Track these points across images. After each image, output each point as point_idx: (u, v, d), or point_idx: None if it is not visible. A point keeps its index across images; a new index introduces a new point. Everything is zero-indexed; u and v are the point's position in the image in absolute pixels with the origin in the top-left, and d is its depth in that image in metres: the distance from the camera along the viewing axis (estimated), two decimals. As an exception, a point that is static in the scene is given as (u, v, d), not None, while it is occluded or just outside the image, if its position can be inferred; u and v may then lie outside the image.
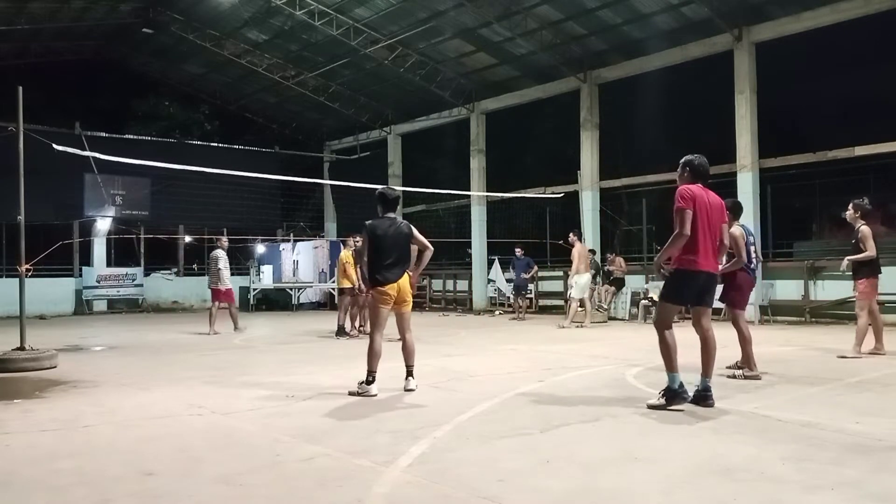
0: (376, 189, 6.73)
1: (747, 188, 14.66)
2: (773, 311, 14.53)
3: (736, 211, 7.21)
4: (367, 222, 6.46)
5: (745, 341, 6.89)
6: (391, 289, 6.31)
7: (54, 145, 10.25)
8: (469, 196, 20.38)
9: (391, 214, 6.54)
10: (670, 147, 13.40)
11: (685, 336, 5.75)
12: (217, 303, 13.20)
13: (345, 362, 8.23)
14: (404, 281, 6.40)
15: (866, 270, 8.26)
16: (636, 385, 6.56)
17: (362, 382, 6.22)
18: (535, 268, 17.30)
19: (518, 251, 16.63)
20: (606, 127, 17.89)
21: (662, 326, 5.54)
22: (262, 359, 9.45)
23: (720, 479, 3.62)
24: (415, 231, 6.62)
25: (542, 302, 19.02)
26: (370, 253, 6.37)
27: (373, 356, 6.24)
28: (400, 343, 6.53)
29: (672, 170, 6.03)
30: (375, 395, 6.08)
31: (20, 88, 8.60)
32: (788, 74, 15.12)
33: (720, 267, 7.00)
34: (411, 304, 6.59)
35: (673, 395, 5.35)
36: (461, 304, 21.30)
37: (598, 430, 4.78)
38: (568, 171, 18.34)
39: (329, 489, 3.55)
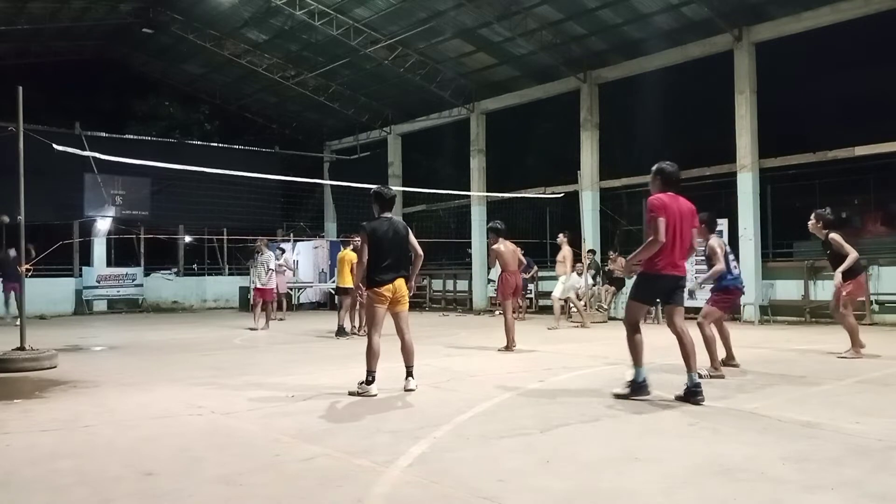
0: (371, 189, 6.70)
1: (747, 188, 14.66)
2: (774, 311, 14.53)
3: (711, 224, 7.68)
4: (366, 224, 6.41)
5: (707, 341, 6.89)
6: (387, 290, 6.30)
7: (54, 145, 10.23)
8: (469, 196, 20.38)
9: (388, 214, 6.51)
10: (670, 147, 13.37)
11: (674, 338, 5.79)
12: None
13: (345, 362, 8.22)
14: (400, 282, 6.39)
15: (850, 272, 8.27)
16: (636, 385, 6.56)
17: (362, 382, 6.22)
18: (535, 268, 17.28)
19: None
20: (606, 127, 17.88)
21: (629, 323, 5.86)
22: (262, 359, 9.45)
23: (720, 479, 3.62)
24: (410, 233, 6.59)
25: (541, 302, 18.99)
26: (369, 254, 6.35)
27: (372, 356, 6.23)
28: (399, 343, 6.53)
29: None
30: (375, 395, 6.08)
31: (20, 88, 8.59)
32: (788, 74, 15.08)
33: (703, 276, 7.40)
34: (407, 304, 6.58)
35: (637, 388, 5.70)
36: (461, 304, 21.28)
37: (598, 430, 4.78)
38: (568, 171, 18.30)
39: (329, 489, 3.55)
